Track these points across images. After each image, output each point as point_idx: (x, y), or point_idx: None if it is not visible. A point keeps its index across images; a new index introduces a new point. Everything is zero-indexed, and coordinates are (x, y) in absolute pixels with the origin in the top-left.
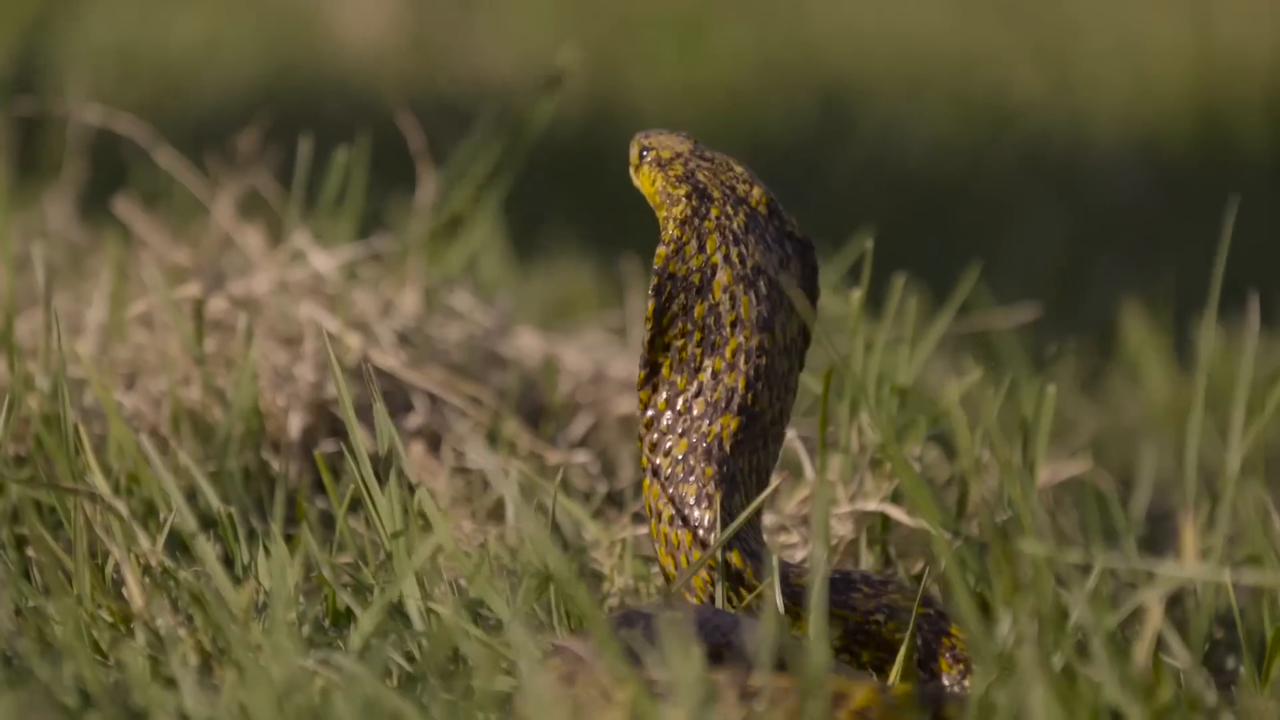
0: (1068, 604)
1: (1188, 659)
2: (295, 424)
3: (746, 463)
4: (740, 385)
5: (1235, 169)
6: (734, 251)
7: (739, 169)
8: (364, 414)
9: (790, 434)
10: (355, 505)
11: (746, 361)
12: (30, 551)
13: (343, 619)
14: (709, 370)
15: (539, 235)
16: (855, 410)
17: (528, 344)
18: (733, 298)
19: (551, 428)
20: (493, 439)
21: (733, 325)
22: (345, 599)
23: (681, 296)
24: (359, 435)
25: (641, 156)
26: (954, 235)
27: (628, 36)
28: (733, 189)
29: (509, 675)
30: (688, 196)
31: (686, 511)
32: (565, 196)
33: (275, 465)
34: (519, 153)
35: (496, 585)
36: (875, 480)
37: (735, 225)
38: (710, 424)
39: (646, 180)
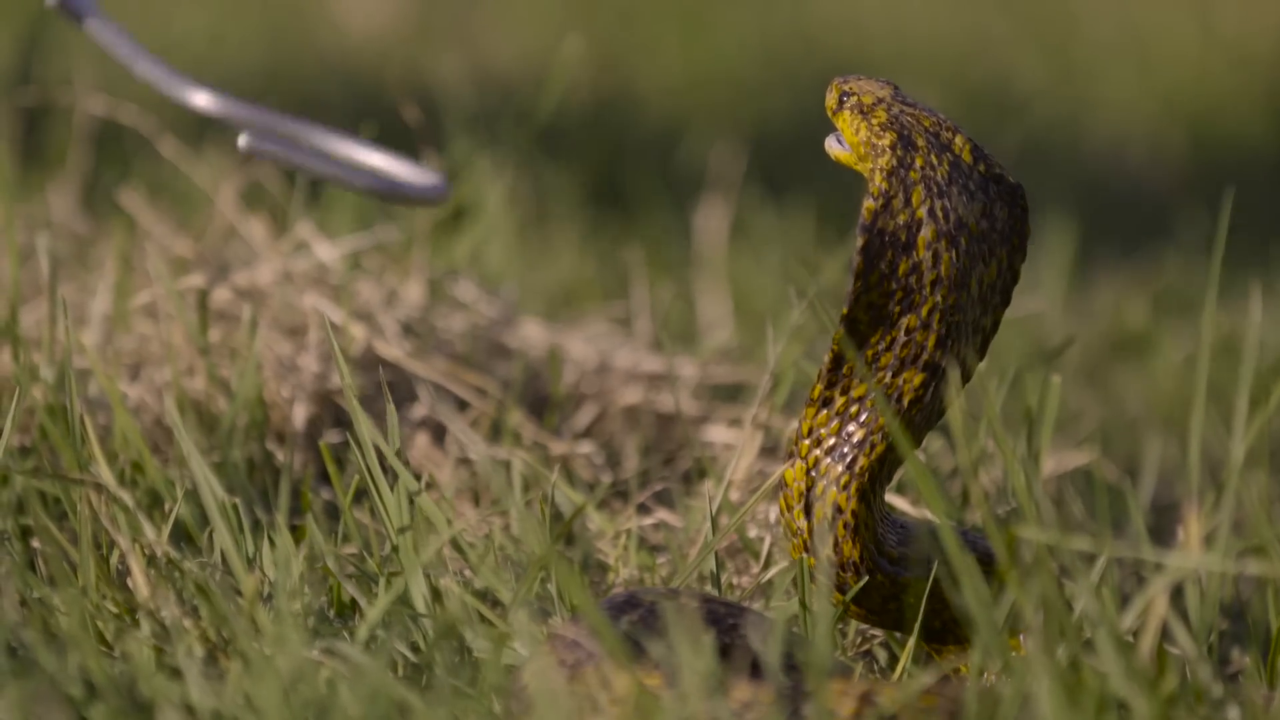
0: (1072, 594)
1: (1193, 650)
2: (300, 415)
3: (921, 415)
4: (930, 343)
5: (1237, 159)
6: (938, 205)
7: (941, 116)
8: (368, 404)
9: (795, 424)
10: (360, 496)
11: (940, 321)
12: (35, 542)
13: (348, 610)
14: (903, 327)
15: (543, 225)
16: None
17: (532, 334)
18: (935, 255)
19: (556, 418)
20: (497, 429)
21: (933, 284)
22: (350, 590)
23: (889, 254)
24: (364, 426)
25: (841, 101)
26: None
27: (631, 27)
28: (936, 135)
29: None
30: (893, 146)
31: (845, 449)
32: (569, 187)
33: (280, 456)
34: (523, 143)
35: (500, 575)
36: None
37: (940, 176)
38: (895, 377)
39: (848, 127)
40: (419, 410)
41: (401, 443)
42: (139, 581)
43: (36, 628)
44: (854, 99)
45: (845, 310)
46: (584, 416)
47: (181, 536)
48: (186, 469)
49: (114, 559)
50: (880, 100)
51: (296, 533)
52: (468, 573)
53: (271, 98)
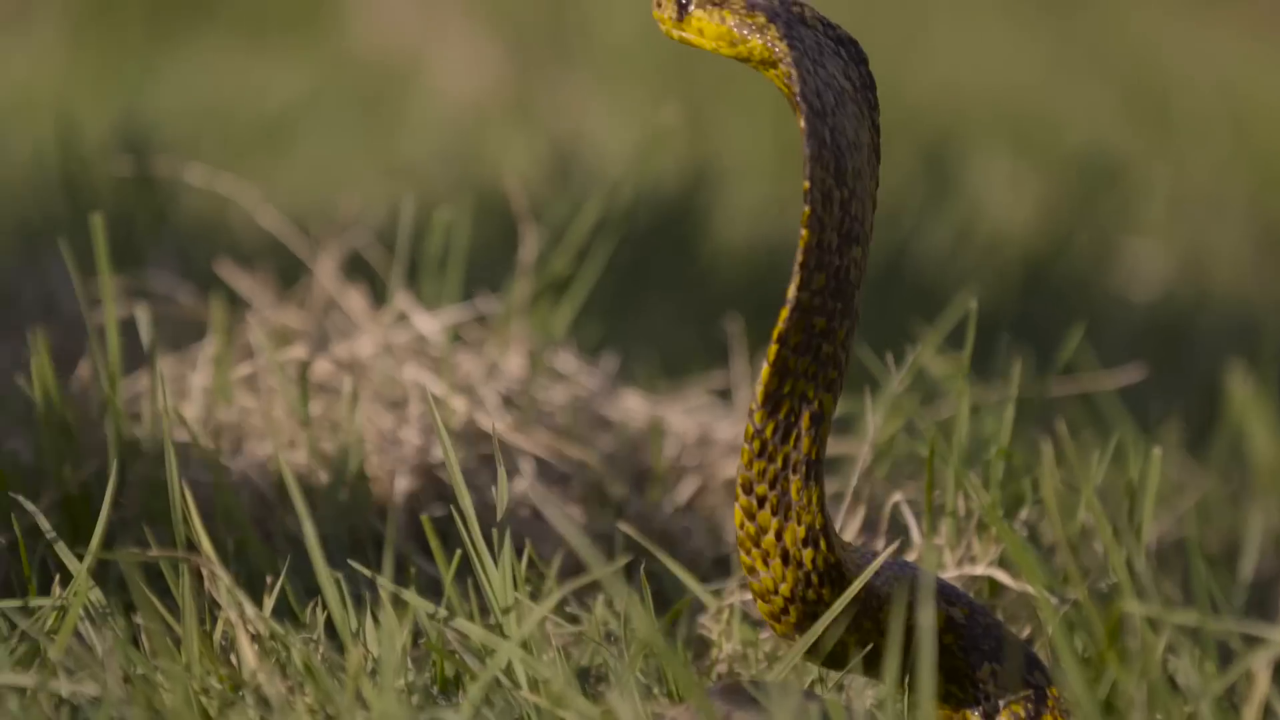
0: (1174, 668)
1: None
2: (401, 488)
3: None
4: (857, 212)
5: None
6: (823, 74)
7: None
8: (469, 477)
9: (897, 497)
10: (463, 570)
11: (856, 180)
12: (138, 618)
13: (451, 686)
14: (838, 201)
15: (641, 295)
16: (961, 475)
17: (633, 406)
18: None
19: (658, 491)
20: (599, 502)
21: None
22: (454, 666)
23: (827, 125)
24: (466, 499)
25: (683, 5)
26: (1056, 294)
27: (725, 94)
28: (787, 8)
29: None
30: (771, 19)
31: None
32: (665, 256)
33: (382, 529)
34: (621, 214)
35: (604, 653)
36: (982, 544)
37: (811, 45)
38: (842, 259)
39: (707, 24)
40: (521, 483)
41: (504, 516)
42: (244, 656)
43: (141, 704)
44: None
45: (806, 234)
46: (685, 490)
47: (284, 611)
48: (289, 543)
49: (217, 634)
50: None
51: (400, 608)
52: (571, 649)
53: (369, 166)
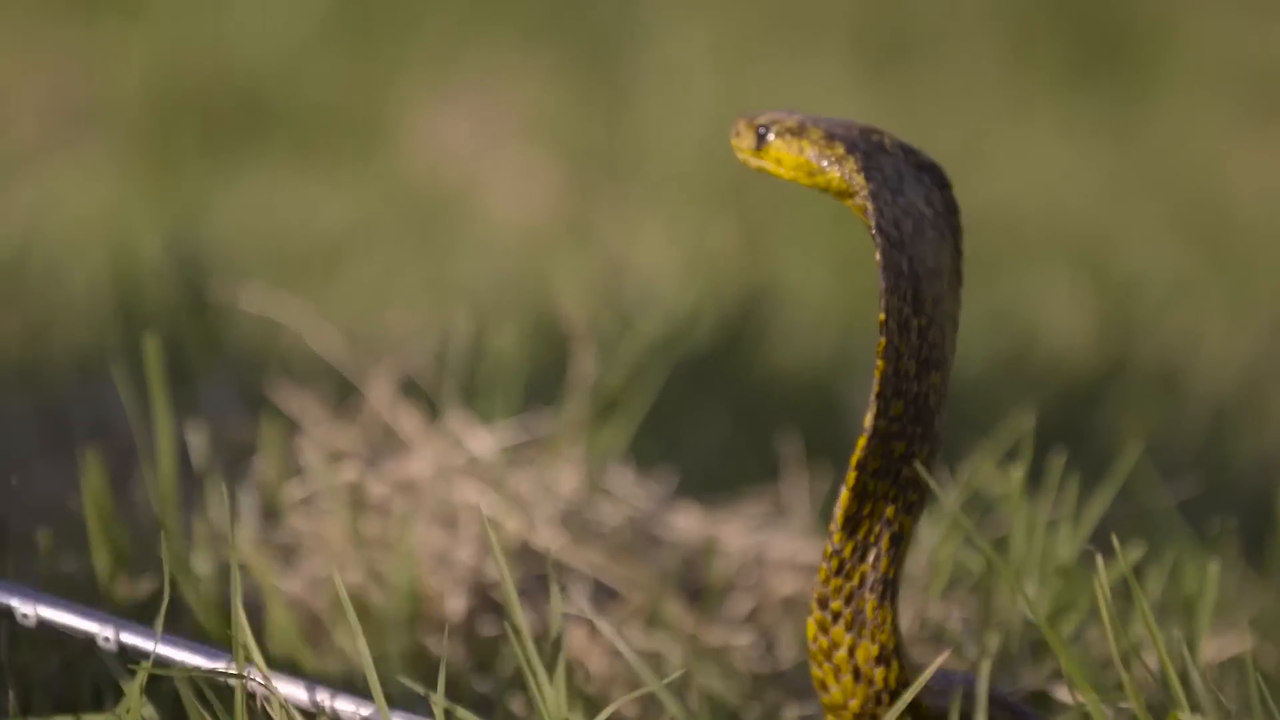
0: None
1: None
2: (455, 606)
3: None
4: (935, 338)
5: None
6: (901, 201)
7: (857, 121)
8: (524, 596)
9: (953, 613)
10: (517, 688)
11: (935, 307)
12: None
13: None
14: (915, 329)
15: (696, 413)
16: (1016, 590)
17: (687, 524)
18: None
19: (712, 609)
20: (653, 621)
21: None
22: None
23: (904, 257)
24: (520, 618)
25: (762, 134)
26: (1113, 412)
27: (781, 213)
28: (868, 137)
29: None
30: (850, 151)
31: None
32: (720, 374)
33: (435, 648)
34: (675, 333)
35: None
36: (1036, 659)
37: (890, 172)
38: (921, 385)
39: (785, 154)
40: (575, 602)
41: (557, 635)
42: None
43: None
44: (778, 126)
45: (883, 342)
46: (740, 606)
47: None
48: (342, 664)
49: None
50: (803, 121)
51: None
52: None
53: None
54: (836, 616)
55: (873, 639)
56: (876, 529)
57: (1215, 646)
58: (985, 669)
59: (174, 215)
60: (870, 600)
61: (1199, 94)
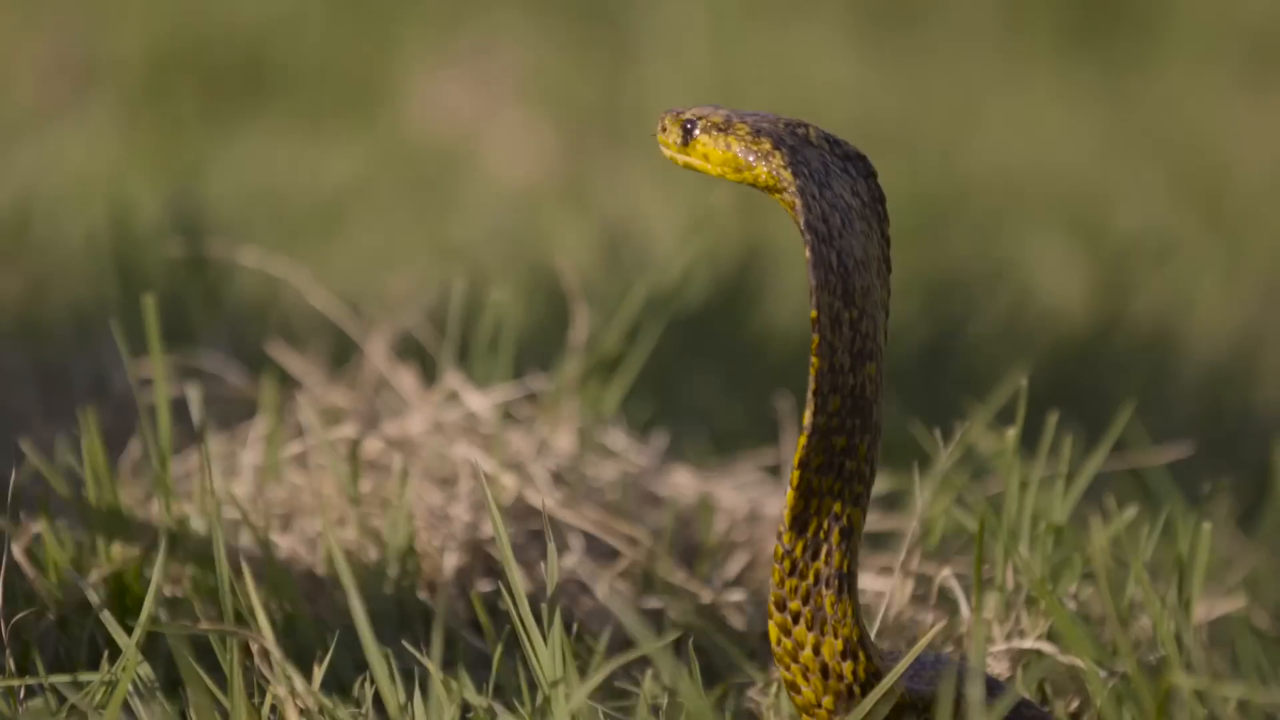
0: None
1: None
2: (451, 564)
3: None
4: (868, 329)
5: None
6: (828, 195)
7: (782, 115)
8: (519, 553)
9: (946, 572)
10: (512, 645)
11: (865, 298)
12: (186, 693)
13: None
14: (847, 322)
15: (691, 373)
16: (1010, 549)
17: (682, 483)
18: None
19: (707, 567)
20: (648, 578)
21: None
22: None
23: (832, 250)
24: (516, 575)
25: (688, 129)
26: (1107, 372)
27: None
28: (793, 131)
29: None
30: (775, 146)
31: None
32: (715, 334)
33: (431, 605)
34: (670, 293)
35: None
36: (1031, 618)
37: (817, 166)
38: (856, 377)
39: (711, 149)
40: (570, 559)
41: (553, 592)
42: None
43: None
44: (703, 121)
45: (816, 351)
46: (735, 565)
47: (333, 686)
48: (338, 619)
49: (265, 709)
50: (729, 116)
51: (448, 682)
52: None
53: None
54: (796, 617)
55: (835, 634)
56: (826, 524)
57: (1208, 606)
58: (979, 628)
59: (174, 175)
60: (828, 595)
61: (1196, 58)
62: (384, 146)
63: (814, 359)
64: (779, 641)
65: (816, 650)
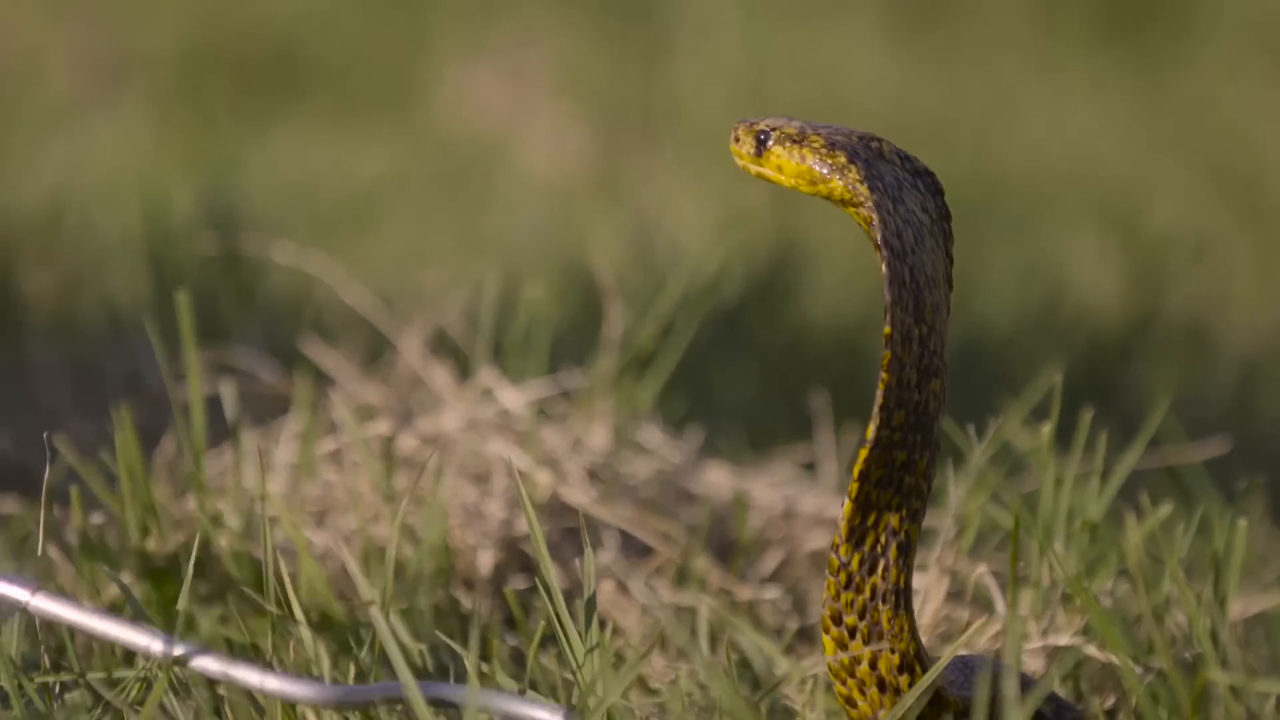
0: None
1: None
2: (485, 561)
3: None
4: (935, 346)
5: None
6: (902, 210)
7: (854, 129)
8: (554, 550)
9: (981, 569)
10: (547, 642)
11: (934, 315)
12: (222, 690)
13: None
14: (917, 339)
15: (726, 369)
16: (1046, 545)
17: (717, 480)
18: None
19: (742, 564)
20: (683, 575)
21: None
22: None
23: (910, 269)
24: (551, 572)
25: (762, 140)
26: (1141, 368)
27: None
28: (867, 145)
29: None
30: (851, 160)
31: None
32: (750, 330)
33: (466, 602)
34: (705, 289)
35: None
36: (1067, 615)
37: (890, 180)
38: (921, 393)
39: (785, 161)
40: (605, 556)
41: (588, 589)
42: None
43: None
44: (777, 133)
45: (887, 355)
46: (770, 562)
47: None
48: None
49: (300, 707)
50: (803, 128)
51: (484, 679)
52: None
53: (455, 242)
54: (853, 631)
55: (893, 649)
56: (883, 539)
57: (1244, 602)
58: (1014, 625)
59: (207, 170)
60: (885, 611)
61: (1231, 53)
62: (417, 142)
63: (883, 374)
64: (834, 655)
65: (873, 665)
